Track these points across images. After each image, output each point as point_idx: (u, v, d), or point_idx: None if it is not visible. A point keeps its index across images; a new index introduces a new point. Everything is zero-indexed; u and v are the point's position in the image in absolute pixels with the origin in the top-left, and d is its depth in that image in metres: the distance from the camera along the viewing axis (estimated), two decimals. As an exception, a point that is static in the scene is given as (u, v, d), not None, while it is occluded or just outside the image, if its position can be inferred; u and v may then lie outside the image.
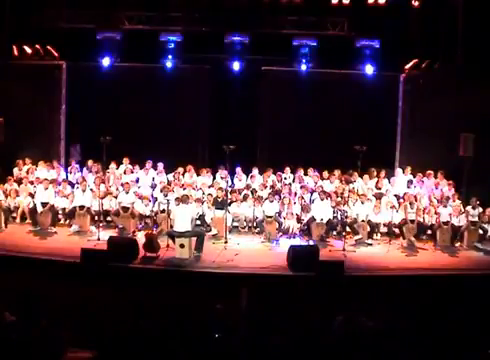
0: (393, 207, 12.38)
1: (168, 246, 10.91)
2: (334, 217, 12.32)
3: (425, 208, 12.64)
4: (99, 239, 11.20)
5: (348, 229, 12.11)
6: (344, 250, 11.31)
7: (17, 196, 12.73)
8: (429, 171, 13.76)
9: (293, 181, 13.85)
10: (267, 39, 14.39)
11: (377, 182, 13.65)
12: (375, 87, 14.78)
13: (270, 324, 6.73)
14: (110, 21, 14.53)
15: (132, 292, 8.54)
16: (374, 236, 12.20)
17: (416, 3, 14.21)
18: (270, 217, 12.10)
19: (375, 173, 13.80)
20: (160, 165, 13.98)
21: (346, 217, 12.15)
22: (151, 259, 10.43)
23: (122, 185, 12.85)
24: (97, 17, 14.48)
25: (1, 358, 5.45)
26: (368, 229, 12.04)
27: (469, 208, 12.19)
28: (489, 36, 13.21)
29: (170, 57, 14.63)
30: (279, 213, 12.34)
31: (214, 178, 13.89)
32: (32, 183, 13.18)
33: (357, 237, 11.96)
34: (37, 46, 14.52)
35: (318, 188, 12.97)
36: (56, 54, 14.82)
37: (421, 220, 12.22)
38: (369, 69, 14.57)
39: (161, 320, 6.41)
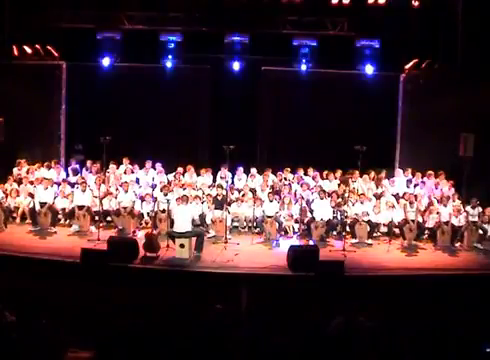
0: (392, 207, 12.39)
1: (168, 246, 10.91)
2: (334, 217, 12.33)
3: (425, 208, 12.63)
4: (99, 239, 11.20)
5: (348, 229, 12.11)
6: (344, 250, 11.29)
7: (17, 196, 12.74)
8: (430, 171, 13.76)
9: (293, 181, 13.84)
10: (267, 39, 14.38)
11: (376, 182, 13.66)
12: (375, 87, 14.77)
13: (270, 324, 6.74)
14: (110, 21, 14.50)
15: (132, 292, 8.55)
16: (374, 234, 12.19)
17: (416, 3, 14.19)
18: (270, 217, 12.10)
19: (373, 174, 13.79)
20: (159, 165, 13.99)
21: (346, 217, 12.16)
22: (151, 259, 10.43)
23: (122, 185, 12.86)
24: (97, 17, 14.44)
25: (1, 358, 5.45)
26: (368, 229, 12.04)
27: (469, 208, 12.20)
28: (489, 36, 13.22)
29: (170, 57, 14.60)
30: (279, 213, 12.34)
31: (214, 178, 13.91)
32: (32, 183, 13.17)
33: (354, 241, 11.94)
34: (37, 46, 14.50)
35: (317, 188, 12.98)
36: (56, 54, 14.81)
37: (421, 220, 12.22)
38: (369, 69, 14.56)
39: (161, 320, 6.41)
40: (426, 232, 12.35)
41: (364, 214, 12.01)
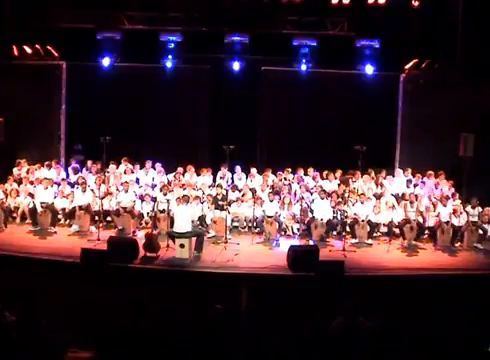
0: (392, 207, 12.38)
1: (168, 246, 10.91)
2: (334, 217, 12.33)
3: (426, 208, 12.63)
4: (99, 239, 11.20)
5: (348, 229, 12.11)
6: (344, 250, 11.29)
7: (17, 196, 12.74)
8: (430, 171, 13.76)
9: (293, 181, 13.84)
10: (267, 39, 14.39)
11: (377, 181, 13.67)
12: (375, 87, 14.78)
13: (270, 324, 6.74)
14: (110, 21, 14.51)
15: (132, 292, 8.55)
16: (374, 234, 12.19)
17: (416, 3, 14.20)
18: (270, 217, 12.10)
19: (373, 174, 13.80)
20: (159, 165, 13.99)
21: (346, 217, 12.15)
22: (151, 259, 10.43)
23: (122, 185, 12.86)
24: (97, 17, 14.45)
25: (1, 358, 5.46)
26: (368, 229, 12.04)
27: (469, 208, 12.20)
28: (489, 36, 13.22)
29: (170, 57, 14.62)
30: (279, 213, 12.33)
31: (214, 178, 13.91)
32: (32, 183, 13.18)
33: (354, 241, 11.94)
34: (37, 46, 14.51)
35: (318, 188, 12.98)
36: (56, 54, 14.82)
37: (421, 220, 12.22)
38: (369, 69, 14.57)
39: (161, 320, 6.41)
40: (426, 232, 12.36)
41: (363, 215, 12.02)
